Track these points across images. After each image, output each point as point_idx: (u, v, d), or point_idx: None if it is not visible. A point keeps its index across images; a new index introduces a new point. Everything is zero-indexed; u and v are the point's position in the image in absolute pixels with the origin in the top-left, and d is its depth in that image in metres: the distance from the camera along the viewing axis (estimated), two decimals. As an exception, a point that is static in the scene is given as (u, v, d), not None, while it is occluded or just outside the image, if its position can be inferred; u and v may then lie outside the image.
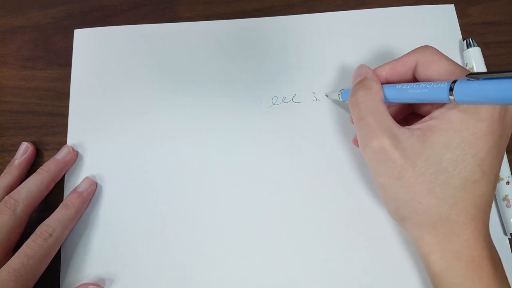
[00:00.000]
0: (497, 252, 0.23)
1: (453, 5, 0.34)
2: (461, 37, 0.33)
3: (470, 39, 0.32)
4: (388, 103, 0.25)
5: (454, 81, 0.20)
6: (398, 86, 0.24)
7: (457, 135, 0.21)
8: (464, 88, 0.20)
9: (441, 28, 0.33)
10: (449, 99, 0.20)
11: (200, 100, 0.32)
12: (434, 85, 0.21)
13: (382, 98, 0.24)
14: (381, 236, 0.28)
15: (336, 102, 0.32)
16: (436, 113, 0.23)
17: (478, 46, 0.32)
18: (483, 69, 0.31)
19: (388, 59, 0.32)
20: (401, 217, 0.24)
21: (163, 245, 0.29)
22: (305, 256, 0.28)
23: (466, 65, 0.32)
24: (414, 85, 0.23)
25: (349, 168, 0.30)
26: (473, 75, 0.19)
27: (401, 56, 0.25)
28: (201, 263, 0.28)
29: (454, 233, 0.22)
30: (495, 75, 0.18)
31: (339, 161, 0.30)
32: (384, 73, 0.26)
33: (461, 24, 0.33)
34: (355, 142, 0.29)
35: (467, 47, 0.32)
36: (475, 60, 0.31)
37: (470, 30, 0.33)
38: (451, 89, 0.20)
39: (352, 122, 0.29)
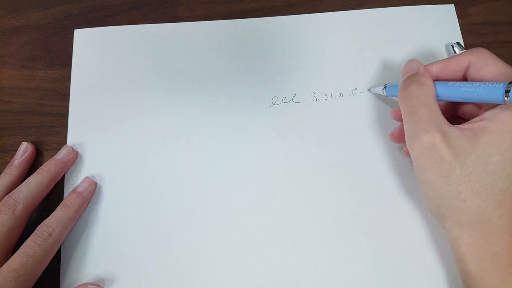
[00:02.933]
0: None
1: (453, 5, 0.34)
2: (461, 38, 0.33)
3: (455, 43, 0.32)
4: None
5: (511, 83, 0.20)
6: (451, 83, 0.24)
7: (508, 137, 0.21)
8: None
9: (441, 28, 0.33)
10: (504, 100, 0.20)
11: (200, 100, 0.32)
12: (489, 85, 0.21)
13: (434, 94, 0.24)
14: (382, 235, 0.28)
15: (338, 102, 0.32)
16: (487, 114, 0.23)
17: (464, 48, 0.31)
18: None
19: (388, 59, 0.32)
20: (441, 214, 0.24)
21: (163, 245, 0.29)
22: (306, 256, 0.28)
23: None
24: (467, 83, 0.23)
25: (350, 167, 0.30)
26: None
27: (453, 56, 0.26)
28: (201, 262, 0.28)
29: (494, 235, 0.22)
30: None
31: (339, 161, 0.30)
32: (435, 70, 0.26)
33: (461, 24, 0.33)
34: (393, 137, 0.29)
35: (454, 52, 0.31)
36: None
37: (470, 30, 0.33)
38: (507, 91, 0.20)
39: (394, 117, 0.29)
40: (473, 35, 0.33)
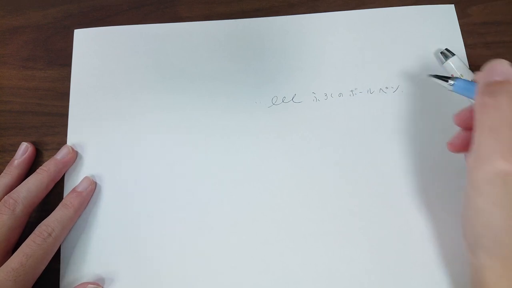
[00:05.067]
0: None
1: (453, 5, 0.34)
2: (461, 38, 0.33)
3: (445, 49, 0.31)
4: None
5: None
6: None
7: None
8: None
9: (441, 28, 0.33)
10: None
11: (200, 100, 0.32)
12: None
13: None
14: (382, 235, 0.28)
15: (338, 102, 0.32)
16: None
17: (454, 54, 0.31)
18: (471, 75, 0.30)
19: (388, 59, 0.32)
20: (479, 244, 0.22)
21: (163, 245, 0.29)
22: (306, 256, 0.28)
23: (452, 76, 0.31)
24: None
25: (350, 167, 0.30)
26: None
27: None
28: (201, 262, 0.28)
29: None
30: None
31: (339, 161, 0.30)
32: None
33: (461, 24, 0.33)
34: (454, 147, 0.26)
35: (445, 59, 0.31)
36: (458, 68, 0.31)
37: (470, 30, 0.33)
38: None
39: (457, 123, 0.25)
40: (473, 35, 0.33)
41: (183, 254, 0.28)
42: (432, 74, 0.27)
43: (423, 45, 0.33)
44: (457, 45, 0.33)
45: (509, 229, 0.20)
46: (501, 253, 0.21)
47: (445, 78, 0.26)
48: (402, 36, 0.33)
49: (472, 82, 0.24)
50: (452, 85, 0.25)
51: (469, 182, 0.21)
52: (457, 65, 0.31)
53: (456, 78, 0.25)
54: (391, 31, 0.33)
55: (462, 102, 0.29)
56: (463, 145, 0.24)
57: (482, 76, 0.23)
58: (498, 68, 0.22)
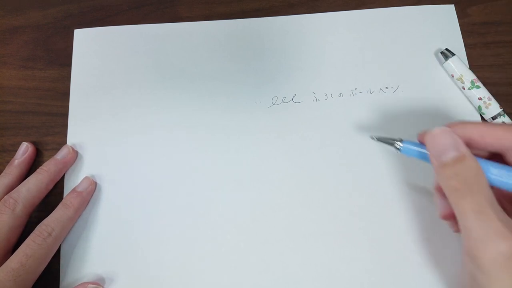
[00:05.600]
0: None
1: (453, 5, 0.34)
2: (461, 38, 0.33)
3: (445, 49, 0.31)
4: None
5: None
6: (496, 177, 0.20)
7: None
8: None
9: (441, 28, 0.33)
10: None
11: (200, 100, 0.32)
12: None
13: (487, 181, 0.20)
14: (382, 235, 0.28)
15: (338, 102, 0.32)
16: None
17: (454, 54, 0.31)
18: (471, 74, 0.31)
19: (388, 59, 0.32)
20: None
21: (163, 245, 0.29)
22: (306, 256, 0.28)
23: (453, 76, 0.31)
24: None
25: (350, 167, 0.30)
26: None
27: (494, 126, 0.22)
28: (201, 262, 0.28)
29: None
30: None
31: (339, 161, 0.30)
32: (469, 136, 0.22)
33: (461, 24, 0.33)
34: (444, 217, 0.24)
35: (445, 59, 0.31)
36: (458, 68, 0.31)
37: (470, 30, 0.33)
38: None
39: (440, 194, 0.24)
40: (473, 35, 0.33)
41: (183, 253, 0.28)
42: (376, 136, 0.25)
43: (423, 45, 0.33)
44: (457, 45, 0.33)
45: None
46: None
47: (391, 141, 0.24)
48: (402, 36, 0.33)
49: (419, 144, 0.23)
50: (398, 149, 0.24)
51: (481, 269, 0.20)
52: (457, 65, 0.31)
53: (402, 141, 0.24)
54: (391, 31, 0.33)
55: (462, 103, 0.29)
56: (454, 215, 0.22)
57: (429, 148, 0.22)
58: (443, 141, 0.21)
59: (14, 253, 0.25)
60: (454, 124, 0.22)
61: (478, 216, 0.19)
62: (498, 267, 0.19)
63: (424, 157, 0.23)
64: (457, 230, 0.24)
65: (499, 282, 0.19)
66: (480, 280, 0.20)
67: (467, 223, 0.20)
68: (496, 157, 0.22)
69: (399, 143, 0.24)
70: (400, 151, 0.24)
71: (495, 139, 0.21)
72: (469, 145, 0.21)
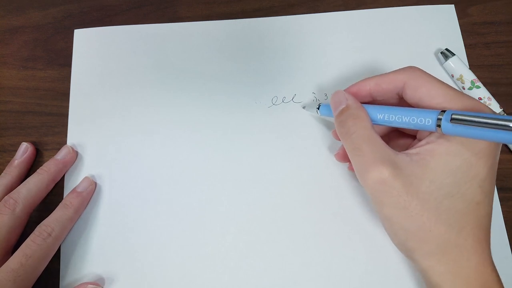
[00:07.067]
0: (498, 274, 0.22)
1: (453, 5, 0.34)
2: (461, 38, 0.33)
3: (445, 49, 0.31)
4: None
5: (442, 111, 0.20)
6: (384, 110, 0.23)
7: (457, 157, 0.21)
8: (451, 127, 0.20)
9: (441, 28, 0.33)
10: (437, 130, 0.21)
11: (200, 100, 0.32)
12: (419, 121, 0.21)
13: (371, 124, 0.23)
14: (382, 235, 0.28)
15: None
16: (433, 136, 0.22)
17: (454, 54, 0.31)
18: (471, 74, 0.31)
19: (388, 59, 0.32)
20: (409, 248, 0.23)
21: (163, 245, 0.29)
22: (306, 256, 0.28)
23: (453, 76, 0.31)
24: (400, 111, 0.23)
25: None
26: (457, 120, 0.19)
27: (387, 74, 0.25)
28: (201, 262, 0.28)
29: (464, 258, 0.21)
30: (479, 123, 0.18)
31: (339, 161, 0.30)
32: (368, 88, 0.25)
33: (461, 24, 0.33)
34: (340, 157, 0.28)
35: (445, 59, 0.31)
36: (458, 68, 0.31)
37: (470, 30, 0.33)
38: (439, 119, 0.20)
39: (337, 138, 0.28)
40: (473, 35, 0.33)
41: (183, 253, 0.28)
42: (304, 106, 0.31)
43: (423, 45, 0.33)
44: (457, 45, 0.33)
45: (422, 225, 0.21)
46: (431, 249, 0.22)
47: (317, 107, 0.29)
48: (402, 36, 0.33)
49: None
50: (318, 110, 0.29)
51: (371, 197, 0.23)
52: (457, 65, 0.31)
53: (320, 104, 0.29)
54: (391, 31, 0.33)
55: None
56: (347, 155, 0.26)
57: (331, 107, 0.26)
58: (337, 99, 0.25)
59: (14, 254, 0.25)
60: (356, 83, 0.26)
61: (356, 153, 0.23)
62: (375, 191, 0.22)
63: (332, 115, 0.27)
64: (351, 168, 0.29)
65: (379, 202, 0.22)
66: (374, 207, 0.25)
67: (352, 160, 0.24)
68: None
69: (317, 108, 0.29)
70: (319, 113, 0.29)
71: (387, 83, 0.24)
72: (372, 95, 0.25)
